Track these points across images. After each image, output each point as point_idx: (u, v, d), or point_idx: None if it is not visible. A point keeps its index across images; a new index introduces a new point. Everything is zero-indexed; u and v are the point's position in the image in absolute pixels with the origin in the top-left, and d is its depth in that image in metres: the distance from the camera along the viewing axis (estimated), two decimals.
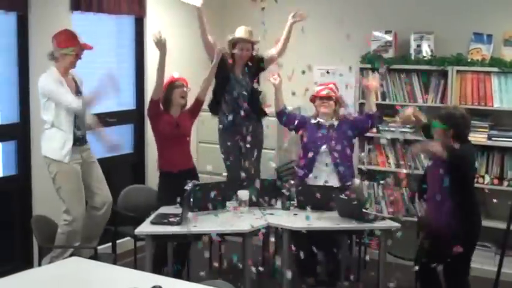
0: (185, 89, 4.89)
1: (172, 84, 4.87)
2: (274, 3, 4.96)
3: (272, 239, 4.51)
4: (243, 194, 4.70)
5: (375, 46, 5.66)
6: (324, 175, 4.83)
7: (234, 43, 5.14)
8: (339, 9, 6.05)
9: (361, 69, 5.72)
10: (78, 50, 4.53)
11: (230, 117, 5.12)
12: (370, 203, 5.24)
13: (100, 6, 5.24)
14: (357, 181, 4.86)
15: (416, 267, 4.22)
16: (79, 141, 4.59)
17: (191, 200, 4.47)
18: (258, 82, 5.23)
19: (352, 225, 4.44)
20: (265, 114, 5.33)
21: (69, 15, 5.07)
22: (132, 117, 5.93)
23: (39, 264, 4.47)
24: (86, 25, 5.15)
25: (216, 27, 5.70)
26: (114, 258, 4.68)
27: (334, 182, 4.79)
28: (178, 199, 4.47)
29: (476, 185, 5.18)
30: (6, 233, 4.96)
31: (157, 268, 4.61)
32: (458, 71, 5.38)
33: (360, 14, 5.93)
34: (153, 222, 4.39)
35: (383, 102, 5.61)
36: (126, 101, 5.97)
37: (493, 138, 5.31)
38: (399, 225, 4.51)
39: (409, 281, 4.59)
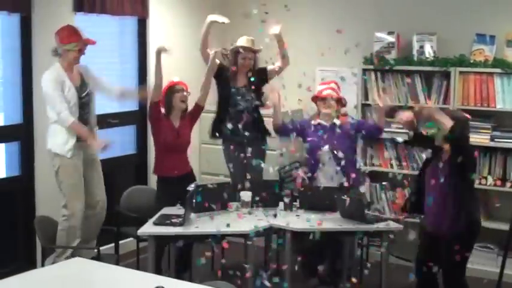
0: (185, 93, 4.90)
1: (172, 89, 4.88)
2: (274, 7, 5.00)
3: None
4: (246, 195, 4.70)
5: (378, 47, 5.66)
6: (328, 176, 4.82)
7: (236, 52, 5.15)
8: (342, 10, 6.05)
9: (364, 70, 5.72)
10: (81, 45, 4.55)
11: (230, 126, 5.14)
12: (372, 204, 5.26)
13: (103, 7, 5.25)
14: (363, 188, 4.82)
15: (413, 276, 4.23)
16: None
17: (193, 201, 4.47)
18: (262, 94, 5.24)
19: (354, 226, 4.44)
20: (269, 134, 5.32)
21: (72, 16, 5.08)
22: (135, 119, 5.94)
23: (43, 265, 4.48)
24: (89, 26, 5.16)
25: (218, 37, 5.70)
26: (117, 259, 4.70)
27: (339, 181, 4.78)
28: (178, 203, 4.50)
29: (478, 186, 5.24)
30: (10, 234, 4.97)
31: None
32: (461, 72, 5.37)
33: (363, 15, 5.93)
34: (155, 223, 4.40)
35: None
36: (128, 102, 5.98)
37: (496, 140, 5.30)
38: (401, 226, 4.51)
39: (411, 283, 4.59)
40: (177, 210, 4.57)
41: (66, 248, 4.54)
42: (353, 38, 5.91)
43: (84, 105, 4.62)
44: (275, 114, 5.00)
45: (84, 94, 4.62)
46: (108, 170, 5.06)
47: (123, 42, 5.88)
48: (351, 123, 4.96)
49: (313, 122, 4.98)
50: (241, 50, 5.13)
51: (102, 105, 4.82)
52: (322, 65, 6.01)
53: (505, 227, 5.00)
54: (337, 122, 4.93)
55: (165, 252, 4.81)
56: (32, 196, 4.98)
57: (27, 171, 4.97)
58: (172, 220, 4.40)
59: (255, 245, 4.39)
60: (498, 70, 5.27)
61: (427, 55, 5.52)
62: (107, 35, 5.63)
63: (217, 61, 5.26)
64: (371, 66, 5.68)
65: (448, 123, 3.95)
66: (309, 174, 4.80)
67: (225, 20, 5.05)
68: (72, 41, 4.51)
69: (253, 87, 5.09)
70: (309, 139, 4.92)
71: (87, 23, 5.17)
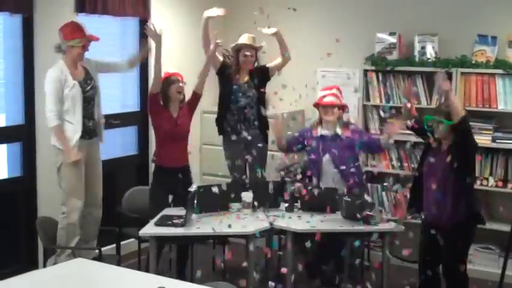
0: (181, 83, 4.91)
1: (168, 80, 4.88)
2: (275, 9, 5.00)
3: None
4: (247, 196, 4.70)
5: (379, 48, 5.66)
6: (331, 185, 4.81)
7: (237, 49, 5.17)
8: (343, 11, 6.05)
9: (365, 71, 5.72)
10: (85, 42, 4.57)
11: (232, 124, 5.16)
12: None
13: (105, 8, 5.26)
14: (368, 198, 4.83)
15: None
16: (88, 134, 4.63)
17: (195, 201, 4.48)
18: (264, 93, 5.25)
19: (356, 227, 4.44)
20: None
21: (74, 16, 5.07)
22: (136, 119, 5.95)
23: (44, 266, 4.49)
24: (91, 27, 5.14)
25: (220, 30, 5.70)
26: (118, 260, 4.70)
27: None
28: (171, 198, 4.51)
29: (480, 187, 5.24)
30: (12, 234, 4.98)
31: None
32: (462, 73, 5.37)
33: (364, 15, 5.93)
34: (157, 224, 4.40)
35: (387, 105, 5.61)
36: (130, 103, 5.99)
37: (498, 141, 5.30)
38: (403, 227, 4.51)
39: (413, 283, 4.59)
40: (179, 211, 4.58)
41: (68, 248, 4.54)
42: (354, 38, 5.93)
43: (88, 99, 4.64)
44: (278, 138, 4.99)
45: (88, 88, 4.63)
46: (110, 171, 5.06)
47: (125, 43, 5.89)
48: (352, 130, 4.90)
49: (314, 133, 4.93)
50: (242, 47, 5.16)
51: (103, 106, 4.83)
52: (324, 66, 6.00)
53: (506, 228, 5.00)
54: (339, 131, 4.88)
55: (163, 253, 4.81)
56: (34, 197, 4.99)
57: (29, 172, 4.97)
58: (174, 221, 4.40)
59: (256, 246, 4.39)
60: (500, 71, 5.27)
61: (429, 56, 5.52)
62: (108, 35, 5.63)
63: (220, 57, 5.26)
64: (372, 67, 5.68)
65: (461, 111, 4.05)
66: (310, 188, 4.74)
67: (220, 12, 5.07)
68: (76, 37, 4.53)
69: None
70: (309, 152, 4.90)
71: (88, 24, 5.15)
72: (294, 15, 5.37)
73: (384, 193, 5.71)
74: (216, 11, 5.10)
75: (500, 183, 5.30)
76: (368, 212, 4.44)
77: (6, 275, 3.44)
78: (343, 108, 4.94)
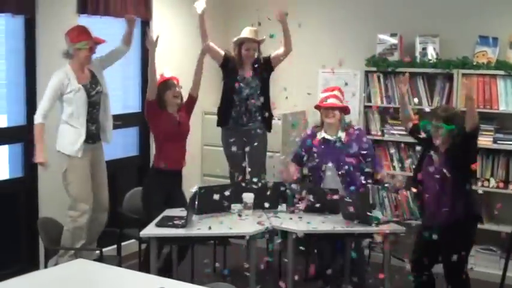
0: (177, 88, 4.90)
1: (165, 85, 4.87)
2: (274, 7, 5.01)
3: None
4: (248, 196, 4.70)
5: (380, 49, 5.67)
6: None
7: (240, 44, 5.18)
8: (345, 12, 6.06)
9: (366, 72, 5.72)
10: (91, 44, 4.60)
11: (234, 115, 5.17)
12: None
13: (106, 9, 5.27)
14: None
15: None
16: (92, 138, 4.64)
17: (196, 202, 4.48)
18: (268, 84, 5.26)
19: (357, 228, 4.44)
20: (271, 119, 5.35)
21: (75, 18, 5.09)
22: (138, 120, 5.95)
23: (45, 266, 4.50)
24: (93, 28, 5.15)
25: (220, 29, 5.73)
26: (119, 261, 4.70)
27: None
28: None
29: (481, 188, 5.24)
30: (13, 235, 4.98)
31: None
32: (463, 74, 5.37)
33: (366, 16, 5.94)
34: (158, 225, 4.40)
35: (388, 106, 5.62)
36: (131, 104, 6.00)
37: (499, 142, 5.30)
38: (404, 228, 4.52)
39: (412, 284, 4.59)
40: (179, 212, 4.58)
41: (69, 249, 4.55)
42: (355, 39, 5.94)
43: (94, 103, 4.65)
44: (287, 170, 4.94)
45: (93, 92, 4.64)
46: (111, 172, 5.06)
47: None
48: (357, 142, 4.83)
49: (316, 142, 4.89)
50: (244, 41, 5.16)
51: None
52: (325, 67, 6.00)
53: (507, 229, 5.01)
54: (342, 135, 4.85)
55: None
56: (35, 197, 5.00)
57: (30, 173, 4.98)
58: (175, 222, 4.40)
59: (257, 246, 4.39)
60: (501, 72, 5.27)
61: (430, 57, 5.52)
62: (110, 36, 5.62)
63: (222, 51, 5.25)
64: (373, 68, 5.68)
65: (477, 118, 4.13)
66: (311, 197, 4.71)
67: (202, 4, 5.04)
68: (82, 40, 4.56)
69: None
70: (311, 159, 4.87)
71: (90, 25, 5.16)
72: (294, 15, 5.37)
73: (384, 194, 5.71)
74: (200, 4, 5.05)
75: (501, 184, 5.31)
76: (369, 213, 4.44)
77: (7, 275, 3.44)
78: (345, 110, 4.93)
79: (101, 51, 4.80)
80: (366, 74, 5.73)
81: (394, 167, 5.69)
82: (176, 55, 5.87)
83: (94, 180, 4.71)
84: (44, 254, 4.67)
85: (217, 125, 5.35)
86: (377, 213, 4.48)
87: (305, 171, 5.01)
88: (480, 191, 5.01)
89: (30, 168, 4.97)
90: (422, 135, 4.47)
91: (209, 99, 6.03)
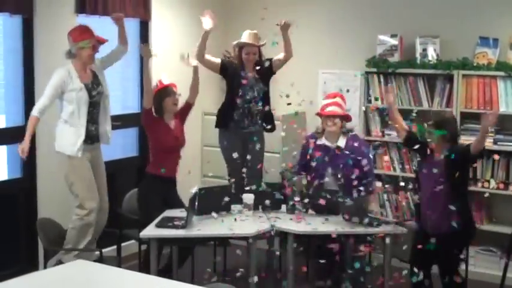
0: (176, 96, 4.89)
1: (164, 92, 4.85)
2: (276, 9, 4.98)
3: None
4: (248, 197, 4.69)
5: (381, 50, 5.66)
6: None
7: (240, 47, 5.16)
8: (345, 13, 6.05)
9: (367, 73, 5.71)
10: (94, 42, 4.59)
11: (236, 118, 5.16)
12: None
13: (105, 9, 5.25)
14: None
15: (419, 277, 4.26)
16: (91, 138, 4.63)
17: (196, 203, 4.47)
18: (268, 86, 5.25)
19: (357, 229, 4.43)
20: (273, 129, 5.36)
21: (74, 17, 5.07)
22: (137, 121, 5.90)
23: (45, 267, 4.48)
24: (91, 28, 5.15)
25: (220, 29, 5.71)
26: (119, 261, 4.69)
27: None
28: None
29: (481, 189, 5.25)
30: (12, 236, 4.96)
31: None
32: (464, 75, 5.37)
33: (366, 17, 5.93)
34: (157, 226, 4.39)
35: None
36: (130, 104, 5.98)
37: (499, 143, 5.29)
38: (405, 229, 4.51)
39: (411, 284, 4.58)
40: (180, 212, 4.56)
41: (69, 250, 4.53)
42: (356, 40, 5.93)
43: (94, 103, 4.63)
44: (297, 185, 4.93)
45: (95, 93, 4.63)
46: (110, 173, 5.05)
47: None
48: (357, 152, 4.79)
49: (318, 142, 4.87)
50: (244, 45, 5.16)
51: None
52: (325, 68, 6.00)
53: (507, 230, 5.01)
54: (342, 142, 4.83)
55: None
56: (34, 198, 4.97)
57: (29, 173, 4.96)
58: (175, 222, 4.39)
59: (257, 247, 4.38)
60: (501, 73, 5.26)
61: (430, 58, 5.51)
62: (109, 37, 5.60)
63: (217, 60, 5.24)
64: (374, 69, 5.67)
65: (483, 146, 4.20)
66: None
67: (211, 21, 5.03)
68: (85, 38, 4.55)
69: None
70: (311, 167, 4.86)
71: (89, 25, 5.16)
72: (294, 16, 5.36)
73: (385, 195, 5.69)
74: (209, 21, 5.05)
75: (501, 186, 5.30)
76: (369, 214, 4.43)
77: (6, 276, 3.43)
78: (346, 118, 4.89)
79: (102, 51, 4.76)
80: (366, 75, 5.71)
81: (394, 168, 5.68)
82: (175, 56, 5.83)
83: (96, 180, 4.68)
84: (43, 255, 4.65)
85: (216, 127, 5.34)
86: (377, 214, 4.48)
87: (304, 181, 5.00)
88: (486, 194, 5.01)
89: (28, 168, 4.95)
90: (416, 146, 4.46)
91: (209, 100, 6.01)
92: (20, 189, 4.98)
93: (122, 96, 6.00)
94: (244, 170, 4.99)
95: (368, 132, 5.75)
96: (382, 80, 5.67)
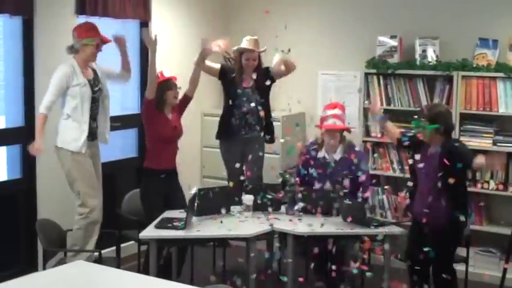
0: (178, 89, 4.90)
1: (166, 85, 4.84)
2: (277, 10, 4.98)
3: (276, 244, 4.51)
4: (248, 198, 4.69)
5: (380, 51, 5.66)
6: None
7: (240, 53, 5.16)
8: (345, 14, 6.05)
9: (366, 74, 5.72)
10: (98, 41, 4.61)
11: (235, 128, 5.17)
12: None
13: (105, 10, 5.25)
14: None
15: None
16: (91, 135, 4.63)
17: (195, 204, 4.47)
18: (268, 94, 5.26)
19: (356, 230, 4.43)
20: (273, 133, 5.36)
21: (74, 18, 5.07)
22: (137, 121, 5.91)
23: (44, 268, 4.47)
24: None
25: (220, 32, 5.72)
26: (118, 262, 4.68)
27: None
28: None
29: (481, 190, 5.25)
30: (11, 236, 4.96)
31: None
32: (463, 77, 5.37)
33: (366, 18, 5.93)
34: (157, 227, 4.39)
35: (388, 107, 5.60)
36: (130, 105, 5.98)
37: (498, 144, 5.29)
38: (404, 230, 4.51)
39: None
40: (179, 213, 4.57)
41: (69, 250, 4.53)
42: (355, 41, 5.93)
43: (95, 99, 4.65)
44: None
45: (96, 89, 4.64)
46: (110, 173, 5.05)
47: None
48: (354, 165, 4.79)
49: (319, 155, 4.86)
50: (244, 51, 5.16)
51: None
52: (325, 69, 6.01)
53: (507, 231, 5.01)
54: (341, 154, 4.82)
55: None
56: (34, 199, 4.97)
57: (28, 174, 4.96)
58: (174, 223, 4.39)
59: (257, 248, 4.38)
60: (501, 74, 5.27)
61: (430, 59, 5.51)
62: (108, 37, 5.62)
63: (217, 65, 5.25)
64: (373, 70, 5.67)
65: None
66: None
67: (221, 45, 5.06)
68: (90, 36, 4.57)
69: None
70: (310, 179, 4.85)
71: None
72: (295, 17, 5.38)
73: (384, 196, 5.70)
74: (219, 45, 5.06)
75: (500, 187, 5.30)
76: (368, 215, 4.44)
77: (6, 277, 3.43)
78: (346, 130, 4.88)
79: (104, 52, 4.75)
80: (365, 76, 5.72)
81: (393, 169, 5.68)
82: (175, 56, 5.85)
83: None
84: (42, 256, 4.65)
85: (216, 138, 5.35)
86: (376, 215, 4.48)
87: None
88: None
89: (28, 169, 4.95)
90: (406, 143, 4.50)
91: (208, 101, 6.02)
92: (20, 190, 4.98)
93: (121, 97, 6.00)
94: (242, 178, 5.00)
95: (367, 132, 5.75)
96: (381, 81, 5.68)
